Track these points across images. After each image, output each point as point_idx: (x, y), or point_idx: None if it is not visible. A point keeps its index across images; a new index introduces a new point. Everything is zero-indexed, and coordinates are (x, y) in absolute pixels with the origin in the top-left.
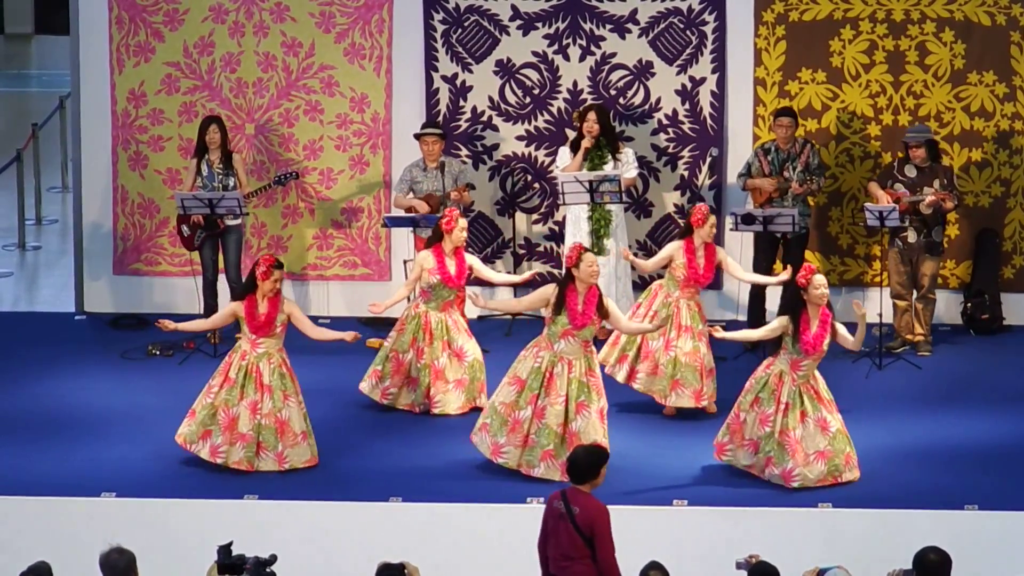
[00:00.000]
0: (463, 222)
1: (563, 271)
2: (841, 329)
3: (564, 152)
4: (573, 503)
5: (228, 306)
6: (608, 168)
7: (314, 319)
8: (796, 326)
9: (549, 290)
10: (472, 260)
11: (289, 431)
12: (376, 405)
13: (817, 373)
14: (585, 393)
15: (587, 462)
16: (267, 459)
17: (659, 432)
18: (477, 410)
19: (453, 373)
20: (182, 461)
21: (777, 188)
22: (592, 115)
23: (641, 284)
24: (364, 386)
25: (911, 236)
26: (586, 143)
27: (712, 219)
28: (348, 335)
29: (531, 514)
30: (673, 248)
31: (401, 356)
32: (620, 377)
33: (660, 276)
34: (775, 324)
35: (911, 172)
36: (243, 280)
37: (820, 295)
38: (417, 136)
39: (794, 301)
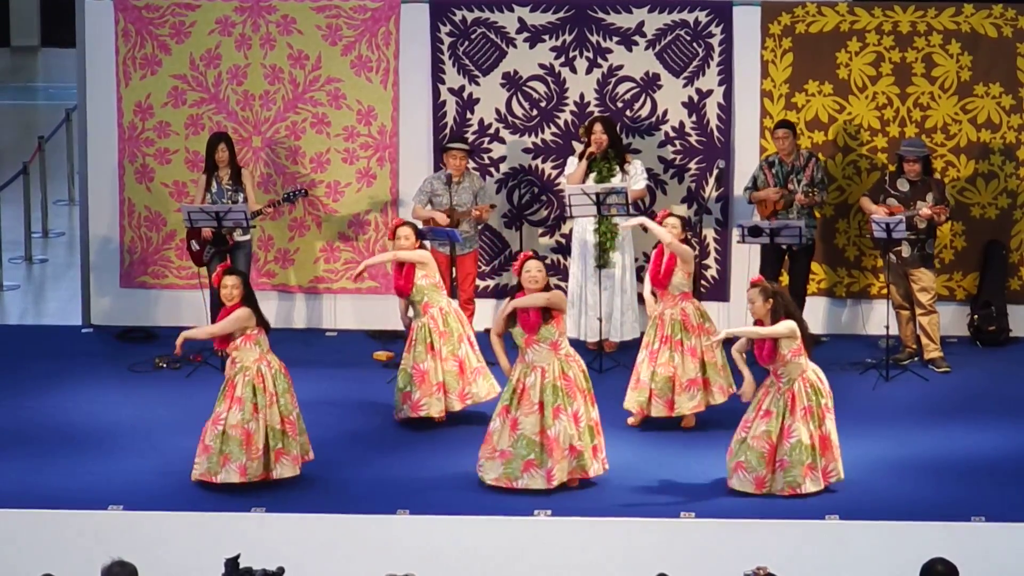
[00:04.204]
0: (404, 231)
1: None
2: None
3: (573, 161)
4: None
5: (239, 312)
6: (616, 180)
7: (322, 332)
8: (751, 340)
9: (503, 308)
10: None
11: (248, 443)
12: (381, 418)
13: (813, 376)
14: (561, 397)
15: None
16: (231, 470)
17: (667, 445)
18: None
19: (435, 376)
20: (189, 474)
21: (782, 198)
22: (598, 126)
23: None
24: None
25: (905, 250)
26: (591, 149)
27: (671, 220)
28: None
29: (538, 527)
30: (653, 254)
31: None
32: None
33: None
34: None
35: (904, 186)
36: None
37: (755, 310)
38: (443, 149)
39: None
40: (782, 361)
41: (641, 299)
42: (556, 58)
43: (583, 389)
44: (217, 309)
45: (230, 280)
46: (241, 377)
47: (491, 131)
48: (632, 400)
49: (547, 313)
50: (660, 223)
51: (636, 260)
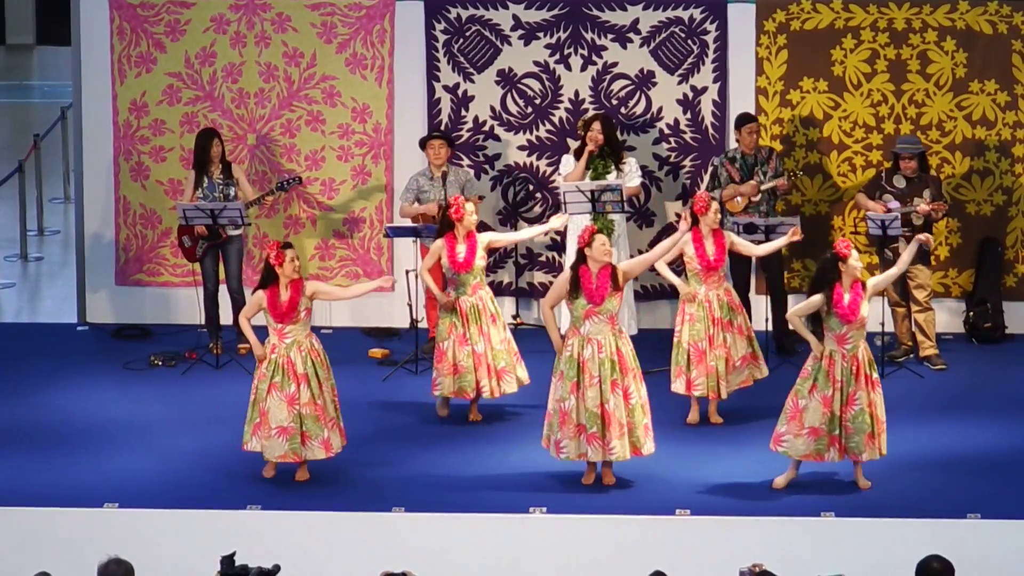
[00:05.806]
0: (471, 207)
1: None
2: (874, 280)
3: (568, 160)
4: None
5: (254, 296)
6: (611, 178)
7: (316, 330)
8: (829, 298)
9: (563, 279)
10: (486, 236)
11: (325, 417)
12: (376, 416)
13: (865, 345)
14: (616, 372)
15: None
16: (314, 447)
17: (663, 441)
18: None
19: (488, 358)
20: (185, 471)
21: (759, 191)
22: (597, 124)
23: (643, 294)
24: (435, 393)
25: (901, 246)
26: (589, 147)
27: (715, 205)
28: (385, 281)
29: (533, 524)
30: (682, 242)
31: (442, 345)
32: (680, 389)
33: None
34: (811, 300)
35: (900, 183)
36: (244, 292)
37: (858, 268)
38: (423, 142)
39: (830, 271)
40: (860, 323)
41: (643, 293)
42: (551, 55)
43: (632, 368)
44: (212, 307)
45: (291, 252)
46: (296, 353)
47: (486, 128)
48: (704, 386)
49: (615, 284)
50: (705, 211)
51: (631, 257)
